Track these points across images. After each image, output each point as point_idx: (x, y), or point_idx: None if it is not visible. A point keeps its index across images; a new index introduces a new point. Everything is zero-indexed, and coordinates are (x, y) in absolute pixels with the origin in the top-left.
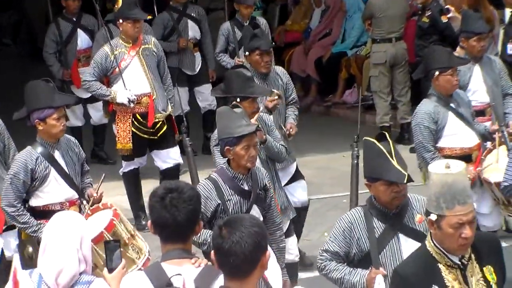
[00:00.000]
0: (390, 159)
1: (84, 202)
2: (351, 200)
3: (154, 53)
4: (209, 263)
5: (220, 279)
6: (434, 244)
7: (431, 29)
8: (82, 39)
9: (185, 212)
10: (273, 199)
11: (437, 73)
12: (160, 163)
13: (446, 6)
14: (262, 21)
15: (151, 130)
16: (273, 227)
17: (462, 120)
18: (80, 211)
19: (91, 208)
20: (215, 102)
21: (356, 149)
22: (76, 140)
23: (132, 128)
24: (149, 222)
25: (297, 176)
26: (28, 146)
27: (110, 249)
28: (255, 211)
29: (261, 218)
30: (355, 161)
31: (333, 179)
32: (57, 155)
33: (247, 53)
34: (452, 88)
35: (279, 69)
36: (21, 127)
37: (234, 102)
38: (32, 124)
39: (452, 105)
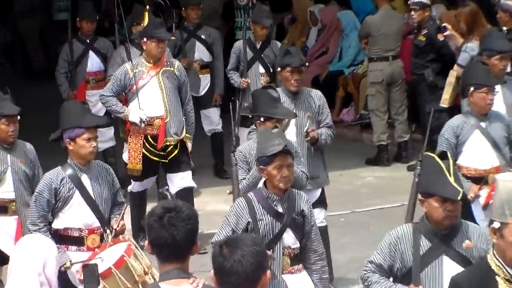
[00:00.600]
0: (448, 176)
1: (108, 231)
2: (407, 217)
3: (176, 77)
4: (207, 283)
5: None
6: (495, 256)
7: (427, 47)
8: (93, 62)
9: (184, 231)
10: (314, 227)
11: (472, 89)
12: (172, 187)
13: (443, 24)
14: (277, 44)
15: (161, 153)
16: (314, 256)
17: (489, 141)
18: (101, 240)
19: (113, 239)
20: (220, 126)
21: (419, 167)
22: (111, 170)
23: (143, 150)
24: (146, 241)
25: (317, 204)
26: (58, 166)
27: (88, 271)
28: (290, 236)
29: (297, 245)
30: (416, 179)
31: (331, 198)
32: (84, 178)
33: (279, 69)
34: (486, 107)
35: (315, 92)
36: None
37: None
38: (64, 145)
39: (482, 123)
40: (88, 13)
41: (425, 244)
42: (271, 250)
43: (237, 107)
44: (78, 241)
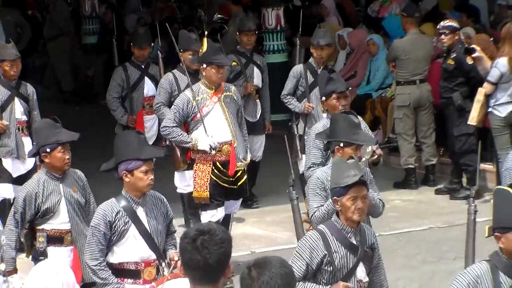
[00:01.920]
0: None
1: (163, 264)
2: (467, 256)
3: (234, 101)
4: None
5: None
6: None
7: (456, 71)
8: (149, 87)
9: (217, 254)
10: (381, 261)
11: None
12: (224, 210)
13: (472, 46)
14: (335, 70)
15: (231, 179)
16: None
17: None
18: (157, 273)
19: (171, 273)
20: (261, 155)
21: (473, 204)
22: (165, 200)
23: (212, 176)
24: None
25: None
26: (113, 198)
27: None
28: (361, 269)
29: (367, 279)
30: (472, 217)
31: None
32: (140, 211)
33: (323, 98)
34: None
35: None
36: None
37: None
38: (119, 176)
39: None
40: (143, 41)
41: (505, 281)
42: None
43: (297, 132)
44: (134, 274)
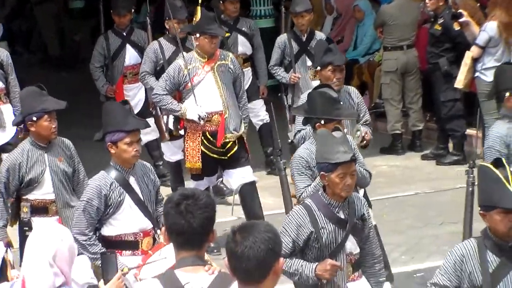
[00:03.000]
0: (508, 185)
1: (158, 232)
2: (464, 231)
3: (231, 70)
4: (223, 270)
5: (234, 286)
6: None
7: (443, 36)
8: (131, 55)
9: (201, 218)
10: (371, 230)
11: (508, 94)
12: (232, 182)
13: (459, 10)
14: (322, 36)
15: (221, 150)
16: (372, 259)
17: None
18: (154, 242)
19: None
20: (267, 117)
21: (472, 175)
22: (152, 167)
23: (202, 147)
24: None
25: None
26: (102, 170)
27: (106, 260)
28: (351, 242)
29: (358, 250)
30: (470, 189)
31: None
32: (132, 181)
33: (318, 68)
34: None
35: (351, 89)
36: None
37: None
38: (106, 147)
39: None
40: (122, 8)
41: (493, 259)
42: (335, 259)
43: (286, 103)
44: (133, 246)
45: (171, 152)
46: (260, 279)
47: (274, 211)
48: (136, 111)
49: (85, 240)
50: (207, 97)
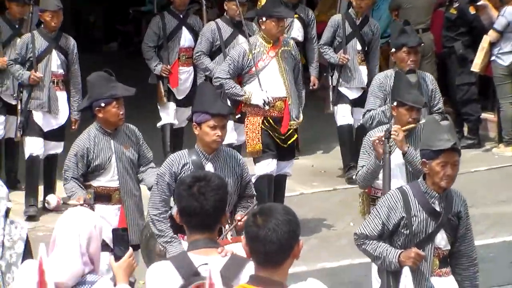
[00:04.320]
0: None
1: (227, 226)
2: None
3: (292, 56)
4: (236, 252)
5: (248, 268)
6: None
7: (458, 20)
8: (186, 38)
9: (213, 200)
10: (469, 231)
11: None
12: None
13: None
14: (375, 22)
15: (282, 136)
16: (467, 262)
17: None
18: (219, 235)
19: (233, 236)
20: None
21: (388, 144)
22: (243, 160)
23: (263, 127)
24: (175, 211)
25: None
26: (186, 149)
27: (117, 237)
28: (442, 237)
29: (448, 247)
30: (387, 155)
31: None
32: (209, 167)
33: (393, 49)
34: None
35: (427, 76)
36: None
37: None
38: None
39: None
40: None
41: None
42: (422, 249)
43: (331, 83)
44: None
45: (165, 113)
46: (280, 261)
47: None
48: (182, 96)
49: (155, 215)
50: (271, 83)
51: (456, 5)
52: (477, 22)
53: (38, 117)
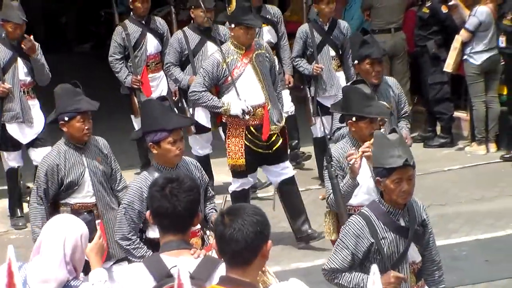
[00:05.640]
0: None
1: (208, 232)
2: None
3: (267, 59)
4: (208, 253)
5: (221, 270)
6: None
7: (431, 19)
8: (152, 44)
9: (185, 202)
10: (431, 235)
11: None
12: (273, 178)
13: None
14: (344, 24)
15: (265, 144)
16: (432, 266)
17: None
18: (203, 243)
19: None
20: (293, 108)
21: (332, 169)
22: (197, 163)
23: (246, 142)
24: (148, 212)
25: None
26: (144, 172)
27: (83, 220)
28: (414, 250)
29: (420, 258)
30: (335, 181)
31: None
32: None
33: (356, 61)
34: None
35: (391, 80)
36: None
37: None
38: (147, 147)
39: None
40: None
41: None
42: (398, 270)
43: (309, 95)
44: None
45: (199, 145)
46: (248, 261)
47: (263, 194)
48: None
49: (129, 245)
50: (249, 90)
51: (428, 4)
52: (450, 21)
53: (13, 129)
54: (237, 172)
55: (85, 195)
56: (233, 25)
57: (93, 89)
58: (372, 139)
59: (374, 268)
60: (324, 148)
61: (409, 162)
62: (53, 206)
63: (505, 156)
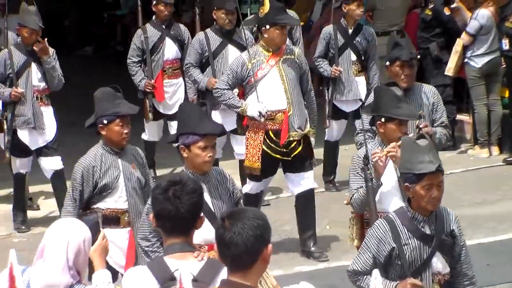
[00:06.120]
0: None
1: None
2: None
3: (297, 65)
4: (212, 256)
5: (224, 273)
6: None
7: (434, 21)
8: (171, 50)
9: (188, 204)
10: (464, 248)
11: None
12: (292, 187)
13: None
14: (370, 30)
15: (284, 150)
16: (465, 281)
17: None
18: None
19: None
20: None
21: (368, 172)
22: (231, 177)
23: (263, 146)
24: (151, 215)
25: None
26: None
27: (87, 222)
28: (439, 260)
29: (447, 270)
30: (370, 183)
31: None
32: (203, 189)
33: (387, 63)
34: None
35: (428, 88)
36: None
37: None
38: (178, 150)
39: None
40: None
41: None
42: (419, 278)
43: (327, 97)
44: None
45: (151, 132)
46: (248, 265)
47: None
48: (173, 111)
49: (148, 246)
50: (270, 94)
51: (431, 6)
52: (452, 23)
53: (23, 135)
54: (252, 175)
55: (117, 200)
56: (267, 26)
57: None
58: (400, 141)
59: (376, 273)
60: (335, 152)
61: (441, 167)
62: (85, 210)
63: (508, 159)
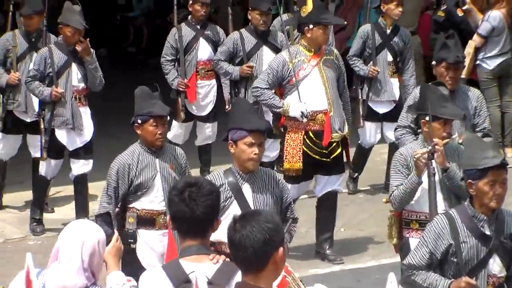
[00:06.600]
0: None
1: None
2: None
3: (336, 66)
4: (227, 259)
5: (238, 275)
6: None
7: (446, 23)
8: (204, 50)
9: (204, 206)
10: None
11: None
12: (319, 188)
13: None
14: (407, 32)
15: (324, 151)
16: None
17: None
18: None
19: None
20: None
21: (432, 166)
22: (282, 180)
23: (303, 147)
24: (168, 217)
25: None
26: (220, 170)
27: (101, 221)
28: (496, 262)
29: (503, 273)
30: (432, 179)
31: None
32: (246, 188)
33: (434, 62)
34: None
35: (472, 92)
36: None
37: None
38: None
39: None
40: None
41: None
42: (475, 278)
43: (361, 97)
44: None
45: (178, 133)
46: (258, 268)
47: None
48: (205, 113)
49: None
50: (312, 94)
51: (443, 7)
52: (465, 25)
53: (61, 135)
54: (290, 177)
55: (152, 200)
56: (311, 26)
57: (112, 93)
58: (445, 140)
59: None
60: (366, 154)
61: (506, 162)
62: (122, 209)
63: None
